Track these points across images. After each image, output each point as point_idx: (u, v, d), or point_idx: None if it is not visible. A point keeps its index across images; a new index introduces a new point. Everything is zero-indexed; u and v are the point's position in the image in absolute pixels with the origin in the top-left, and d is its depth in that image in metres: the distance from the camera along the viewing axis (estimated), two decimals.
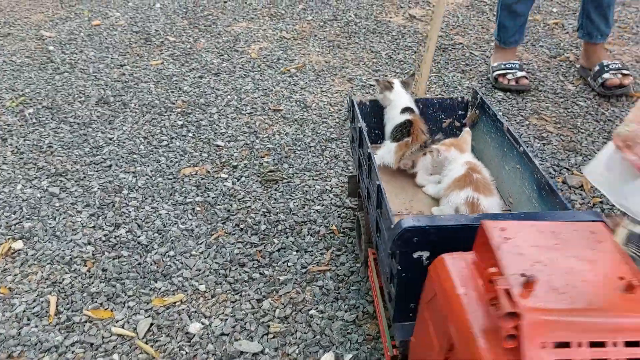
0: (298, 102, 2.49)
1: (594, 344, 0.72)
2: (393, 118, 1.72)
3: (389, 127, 1.73)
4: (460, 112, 1.78)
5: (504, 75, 2.49)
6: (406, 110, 1.70)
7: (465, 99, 1.76)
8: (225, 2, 3.47)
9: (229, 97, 2.52)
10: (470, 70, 2.74)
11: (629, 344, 0.72)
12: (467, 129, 1.68)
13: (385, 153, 1.67)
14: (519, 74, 2.47)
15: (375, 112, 1.79)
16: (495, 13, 3.10)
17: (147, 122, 2.35)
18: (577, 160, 2.09)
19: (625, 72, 2.41)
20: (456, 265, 0.88)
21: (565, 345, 0.71)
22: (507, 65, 2.50)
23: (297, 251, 1.71)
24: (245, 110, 2.43)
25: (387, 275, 1.20)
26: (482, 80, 2.64)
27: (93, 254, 1.71)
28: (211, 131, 2.29)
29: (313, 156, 2.15)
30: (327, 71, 2.74)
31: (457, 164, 1.54)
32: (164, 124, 2.33)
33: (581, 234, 0.89)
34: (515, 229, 0.88)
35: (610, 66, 2.41)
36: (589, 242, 0.87)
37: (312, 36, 3.08)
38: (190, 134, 2.27)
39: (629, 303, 0.76)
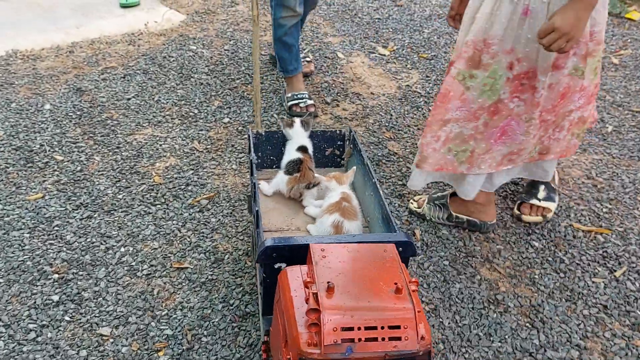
0: (208, 253, 2.06)
1: (368, 328, 1.09)
2: (289, 152, 2.04)
3: (284, 160, 2.04)
4: (339, 143, 2.15)
5: (296, 104, 2.89)
6: (300, 149, 2.03)
7: (343, 131, 2.12)
8: (128, 99, 3.02)
9: (122, 249, 2.07)
10: (409, 193, 2.40)
11: (391, 327, 1.10)
12: (354, 167, 1.97)
13: (280, 182, 1.99)
14: (308, 102, 2.90)
15: (270, 141, 2.12)
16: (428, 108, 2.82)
17: (14, 297, 1.86)
18: (541, 340, 1.76)
19: (308, 59, 3.14)
20: (293, 275, 1.24)
21: (350, 329, 1.09)
22: (298, 96, 2.92)
23: None
24: (142, 270, 1.98)
25: (259, 280, 1.53)
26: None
27: None
28: (95, 309, 1.83)
29: (223, 346, 1.72)
30: (245, 200, 2.33)
31: (335, 193, 1.87)
32: (35, 301, 1.85)
33: (376, 252, 1.26)
34: (331, 249, 1.25)
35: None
36: (380, 258, 1.24)
37: (228, 146, 2.67)
38: (67, 317, 1.80)
39: (395, 300, 1.13)
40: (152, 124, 2.82)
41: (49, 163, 2.51)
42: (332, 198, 1.85)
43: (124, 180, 2.42)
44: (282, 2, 2.69)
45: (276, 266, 1.37)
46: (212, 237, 2.14)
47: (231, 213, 2.26)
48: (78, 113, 2.88)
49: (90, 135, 2.71)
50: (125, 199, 2.31)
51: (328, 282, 1.13)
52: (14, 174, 2.43)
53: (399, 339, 1.10)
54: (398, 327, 1.10)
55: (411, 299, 1.13)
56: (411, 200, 2.32)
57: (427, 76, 3.33)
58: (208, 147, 2.67)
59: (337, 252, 1.25)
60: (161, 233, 2.14)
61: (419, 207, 2.26)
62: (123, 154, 2.59)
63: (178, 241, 2.11)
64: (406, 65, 3.45)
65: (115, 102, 2.99)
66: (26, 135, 2.69)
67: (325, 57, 3.51)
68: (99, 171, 2.47)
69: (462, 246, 2.12)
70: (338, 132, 2.13)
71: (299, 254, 1.31)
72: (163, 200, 2.31)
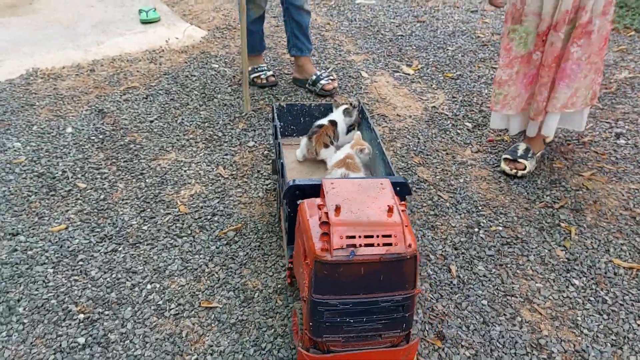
0: (237, 291, 2.00)
1: (367, 236, 1.40)
2: (321, 120, 2.43)
3: (314, 124, 2.43)
4: None
5: (258, 76, 3.27)
6: (331, 121, 2.41)
7: (354, 103, 2.46)
8: (151, 121, 2.96)
9: (149, 286, 2.01)
10: (441, 225, 2.32)
11: (384, 236, 1.41)
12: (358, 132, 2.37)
13: (302, 144, 2.41)
14: (268, 73, 3.29)
15: (290, 112, 2.50)
16: (456, 131, 2.76)
17: (38, 339, 1.81)
18: None
19: (332, 78, 3.22)
20: (310, 205, 1.55)
21: (353, 237, 1.40)
22: (258, 69, 3.28)
23: None
24: (170, 310, 1.92)
25: (284, 216, 1.82)
26: (458, 245, 2.22)
27: None
28: (123, 353, 1.77)
29: None
30: (273, 232, 2.26)
31: (341, 152, 2.25)
32: (60, 344, 1.79)
33: (375, 185, 1.56)
34: (339, 183, 1.56)
35: (322, 75, 3.20)
36: (377, 189, 1.54)
37: (254, 172, 2.61)
38: None
39: (387, 217, 1.44)
40: (176, 148, 2.77)
41: (71, 191, 2.46)
42: (338, 157, 2.23)
43: (148, 210, 2.36)
44: None
45: (298, 202, 1.63)
46: (240, 272, 2.07)
47: (259, 246, 2.19)
48: (100, 136, 2.83)
49: (113, 160, 2.66)
50: (150, 230, 2.25)
51: (336, 205, 1.43)
52: (37, 203, 2.38)
53: (390, 244, 1.39)
54: (389, 236, 1.40)
55: (400, 217, 1.43)
56: (512, 169, 2.60)
57: (454, 97, 3.25)
58: (233, 173, 2.61)
59: (344, 185, 1.55)
60: (188, 268, 2.08)
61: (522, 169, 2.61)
62: (147, 180, 2.54)
63: (206, 277, 2.05)
64: (431, 85, 3.37)
65: (137, 124, 2.94)
66: (48, 161, 2.64)
67: (349, 76, 3.45)
68: (122, 200, 2.42)
69: (500, 284, 2.04)
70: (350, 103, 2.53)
71: (315, 192, 1.61)
72: (189, 232, 2.25)
